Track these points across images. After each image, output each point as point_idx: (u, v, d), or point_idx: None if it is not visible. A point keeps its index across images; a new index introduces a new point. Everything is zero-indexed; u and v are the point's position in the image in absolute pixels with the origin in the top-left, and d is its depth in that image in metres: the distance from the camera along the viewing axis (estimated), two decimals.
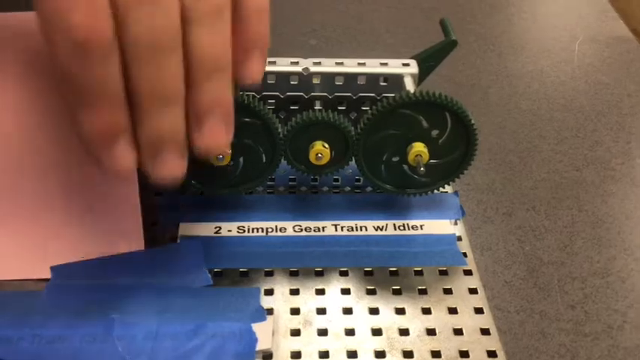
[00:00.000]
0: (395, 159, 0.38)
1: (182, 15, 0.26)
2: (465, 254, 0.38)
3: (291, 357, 0.32)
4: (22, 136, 0.34)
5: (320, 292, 0.35)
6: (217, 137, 0.29)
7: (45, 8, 0.25)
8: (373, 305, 0.35)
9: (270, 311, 0.34)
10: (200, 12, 0.26)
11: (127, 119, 0.27)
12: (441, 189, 0.39)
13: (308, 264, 0.37)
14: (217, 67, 0.28)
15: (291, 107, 0.40)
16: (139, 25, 0.25)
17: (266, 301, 0.35)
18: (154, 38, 0.25)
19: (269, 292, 0.35)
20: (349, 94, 0.40)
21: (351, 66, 0.39)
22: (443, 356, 0.32)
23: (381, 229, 0.39)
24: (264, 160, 0.37)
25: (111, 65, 0.26)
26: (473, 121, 0.36)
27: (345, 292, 0.35)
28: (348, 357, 0.32)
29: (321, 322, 0.34)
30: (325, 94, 0.39)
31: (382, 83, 0.39)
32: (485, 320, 0.34)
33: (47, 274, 0.35)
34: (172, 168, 0.29)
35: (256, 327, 0.33)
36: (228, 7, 0.27)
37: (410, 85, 0.39)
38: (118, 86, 0.26)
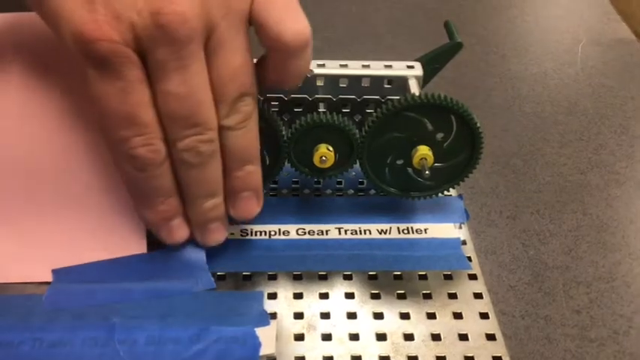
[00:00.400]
0: (399, 162, 0.37)
1: (219, 124, 0.31)
2: (469, 258, 0.37)
3: None
4: (26, 140, 0.34)
5: (324, 296, 0.35)
6: (250, 210, 0.35)
7: (110, 140, 0.30)
8: (377, 310, 0.34)
9: (273, 315, 0.34)
10: (233, 122, 0.32)
11: (180, 206, 0.34)
12: (445, 192, 0.39)
13: (311, 267, 0.36)
14: (249, 159, 0.33)
15: (295, 109, 0.39)
16: (185, 144, 0.31)
17: (269, 305, 0.34)
18: (196, 153, 0.31)
19: (272, 296, 0.35)
20: (353, 96, 0.39)
21: (355, 68, 0.39)
22: None
23: (385, 233, 0.39)
24: (267, 162, 0.37)
25: (164, 175, 0.32)
26: (478, 124, 0.36)
27: (349, 296, 0.35)
28: None
29: (325, 326, 0.33)
30: (329, 96, 0.39)
31: (386, 86, 0.39)
32: (491, 325, 0.34)
33: (49, 278, 0.35)
34: (217, 236, 0.35)
35: (260, 331, 0.32)
36: (255, 112, 0.32)
37: (414, 88, 0.38)
38: (170, 187, 0.33)
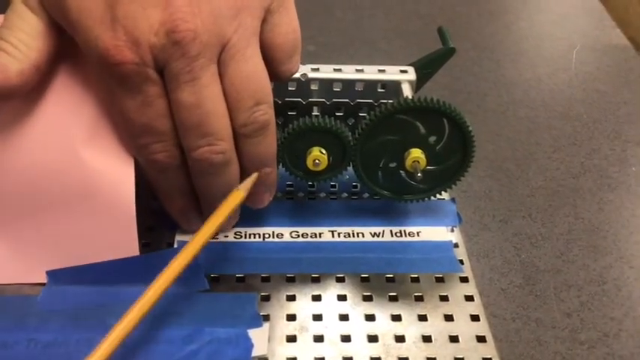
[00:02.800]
0: (392, 165, 0.38)
1: (235, 131, 0.33)
2: (461, 261, 0.38)
3: None
4: (20, 143, 0.34)
5: (316, 298, 0.35)
6: (263, 201, 0.37)
7: (134, 145, 0.33)
8: (369, 312, 0.35)
9: (266, 317, 0.34)
10: (249, 131, 0.33)
11: (196, 201, 0.36)
12: (438, 196, 0.39)
13: (305, 270, 0.37)
14: (266, 163, 0.35)
15: (289, 113, 0.40)
16: (198, 154, 0.33)
17: (262, 307, 0.34)
18: (209, 163, 0.33)
19: (265, 298, 0.35)
20: (347, 100, 0.40)
21: (349, 72, 0.39)
22: None
23: (378, 236, 0.39)
24: None
25: (181, 177, 0.35)
26: (470, 128, 0.36)
27: (342, 298, 0.35)
28: None
29: (317, 328, 0.34)
30: (323, 100, 0.39)
31: (380, 90, 0.39)
32: (482, 328, 0.34)
33: (43, 279, 0.35)
34: (230, 225, 0.39)
35: (252, 333, 0.33)
36: (272, 120, 0.34)
37: (407, 92, 0.39)
38: (187, 186, 0.35)
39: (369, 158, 0.37)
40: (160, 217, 0.39)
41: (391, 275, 0.37)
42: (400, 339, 0.33)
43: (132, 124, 0.32)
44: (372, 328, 0.34)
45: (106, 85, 0.32)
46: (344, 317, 0.34)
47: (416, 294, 0.36)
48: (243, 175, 0.35)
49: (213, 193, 0.35)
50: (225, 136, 0.33)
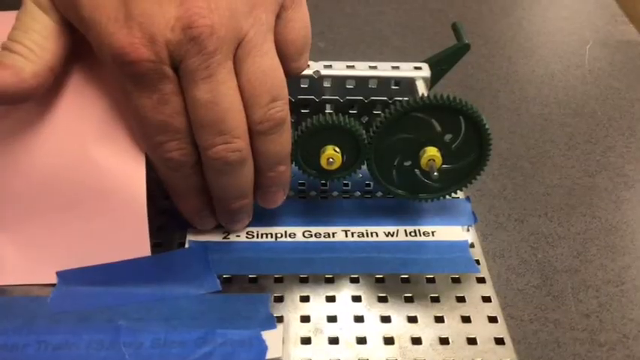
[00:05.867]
0: (407, 163, 0.37)
1: (250, 128, 0.32)
2: (477, 261, 0.37)
3: None
4: (32, 142, 0.34)
5: (330, 299, 0.35)
6: (276, 200, 0.37)
7: (148, 144, 0.33)
8: (385, 313, 0.34)
9: (280, 319, 0.33)
10: (265, 128, 0.33)
11: (210, 200, 0.36)
12: (453, 194, 0.39)
13: (318, 270, 0.36)
14: (280, 161, 0.34)
15: (302, 111, 0.39)
16: (214, 152, 0.32)
17: (276, 308, 0.34)
18: (225, 162, 0.32)
19: (279, 299, 0.34)
20: (360, 97, 0.39)
21: (362, 69, 0.39)
22: None
23: (392, 235, 0.38)
24: None
25: (196, 175, 0.34)
26: (487, 125, 0.35)
27: (356, 299, 0.35)
28: None
29: (331, 330, 0.33)
30: (336, 97, 0.39)
31: (394, 87, 0.39)
32: (500, 329, 0.33)
33: (53, 280, 0.35)
34: (241, 225, 0.38)
35: (266, 335, 0.32)
36: (288, 117, 0.33)
37: (422, 89, 0.38)
38: (201, 185, 0.34)
39: (383, 157, 0.37)
40: (171, 216, 0.38)
41: (406, 276, 0.36)
42: (417, 341, 0.33)
43: (147, 123, 0.32)
44: (387, 329, 0.33)
45: (119, 84, 0.32)
46: (359, 319, 0.34)
47: (432, 295, 0.35)
48: (257, 174, 0.34)
49: (228, 191, 0.34)
50: (242, 134, 0.32)
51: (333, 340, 0.33)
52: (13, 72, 0.30)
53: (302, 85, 0.38)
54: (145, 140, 0.33)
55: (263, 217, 0.39)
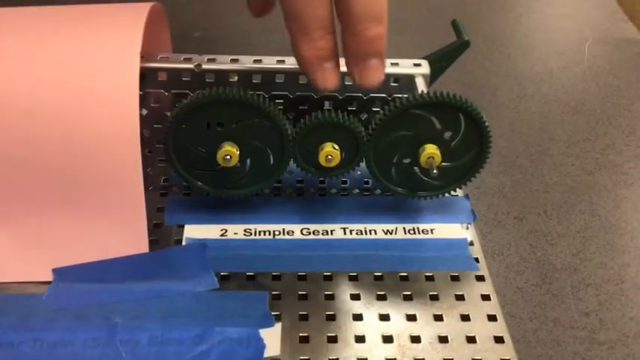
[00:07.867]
0: (406, 161, 0.37)
1: None
2: (476, 259, 0.37)
3: None
4: (27, 138, 0.33)
5: (329, 297, 0.34)
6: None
7: None
8: (384, 311, 0.34)
9: (278, 317, 0.33)
10: None
11: (336, 48, 0.34)
12: (452, 192, 0.39)
13: (316, 268, 0.36)
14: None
15: (301, 107, 0.39)
16: None
17: (274, 306, 0.34)
18: None
19: (277, 297, 0.34)
20: (360, 94, 0.39)
21: None
22: None
23: (391, 233, 0.38)
24: (271, 161, 0.36)
25: (326, 5, 0.32)
26: (487, 123, 0.35)
27: (355, 297, 0.35)
28: None
29: (330, 328, 0.33)
30: (335, 94, 0.38)
31: (393, 84, 0.39)
32: (499, 328, 0.33)
33: (49, 277, 0.34)
34: (375, 75, 0.34)
35: (264, 333, 0.32)
36: None
37: (421, 86, 0.38)
38: (330, 21, 0.33)
39: (382, 154, 0.36)
40: (168, 213, 0.38)
41: (405, 274, 0.36)
42: (416, 339, 0.32)
43: None
44: (386, 328, 0.33)
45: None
46: (358, 317, 0.33)
47: (431, 293, 0.35)
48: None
49: (364, 13, 0.32)
50: None
51: (332, 339, 0.32)
52: None
53: (300, 82, 0.38)
54: None
55: (261, 214, 0.38)
